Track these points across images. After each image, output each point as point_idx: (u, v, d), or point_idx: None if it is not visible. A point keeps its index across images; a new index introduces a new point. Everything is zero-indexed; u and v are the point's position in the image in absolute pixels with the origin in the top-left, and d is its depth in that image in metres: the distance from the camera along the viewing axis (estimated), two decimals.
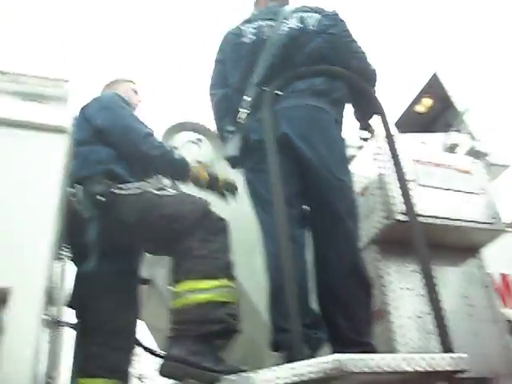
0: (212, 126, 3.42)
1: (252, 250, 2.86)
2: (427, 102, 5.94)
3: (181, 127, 3.82)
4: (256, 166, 2.71)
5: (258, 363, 2.46)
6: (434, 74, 5.88)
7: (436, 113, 5.94)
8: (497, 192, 3.45)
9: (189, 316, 2.42)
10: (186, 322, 2.42)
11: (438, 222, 2.96)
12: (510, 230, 4.18)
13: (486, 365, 2.86)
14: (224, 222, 2.68)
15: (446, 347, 2.14)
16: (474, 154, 4.50)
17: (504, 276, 5.63)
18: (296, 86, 2.79)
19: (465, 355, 2.08)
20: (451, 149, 4.64)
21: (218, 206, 2.75)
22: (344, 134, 2.88)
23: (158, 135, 3.78)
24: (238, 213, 3.02)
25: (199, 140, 3.69)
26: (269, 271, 2.56)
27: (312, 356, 2.00)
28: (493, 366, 2.88)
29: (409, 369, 1.96)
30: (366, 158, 3.10)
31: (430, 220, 2.92)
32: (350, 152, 3.02)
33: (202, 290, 2.44)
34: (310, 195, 2.68)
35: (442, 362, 2.02)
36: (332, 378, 1.88)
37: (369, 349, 2.34)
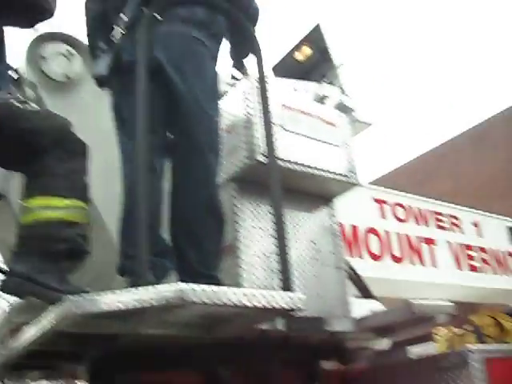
0: (84, 40, 3.26)
1: (112, 174, 2.82)
2: (307, 51, 6.03)
3: (51, 37, 3.61)
4: (124, 88, 2.63)
5: (107, 287, 2.45)
6: (317, 25, 5.97)
7: (313, 63, 6.05)
8: (357, 147, 3.59)
9: (37, 232, 2.35)
10: (33, 237, 2.35)
11: (297, 168, 3.03)
12: (363, 185, 4.41)
13: (323, 306, 3.03)
14: (83, 144, 2.60)
15: (286, 286, 2.25)
16: (342, 108, 4.64)
17: (354, 227, 6.00)
18: (177, 13, 2.71)
19: (302, 295, 2.19)
20: (321, 99, 4.77)
21: (81, 130, 2.65)
22: (218, 69, 2.87)
23: (27, 43, 3.58)
24: (100, 136, 2.94)
25: (69, 53, 3.51)
26: (123, 197, 2.54)
27: (157, 284, 2.02)
28: (329, 307, 3.05)
29: (248, 304, 2.02)
30: (236, 96, 3.10)
31: (289, 165, 2.99)
32: (221, 88, 3.00)
33: (53, 208, 2.37)
34: (175, 125, 2.66)
35: (280, 300, 2.10)
36: (173, 307, 1.91)
37: (214, 282, 2.40)
